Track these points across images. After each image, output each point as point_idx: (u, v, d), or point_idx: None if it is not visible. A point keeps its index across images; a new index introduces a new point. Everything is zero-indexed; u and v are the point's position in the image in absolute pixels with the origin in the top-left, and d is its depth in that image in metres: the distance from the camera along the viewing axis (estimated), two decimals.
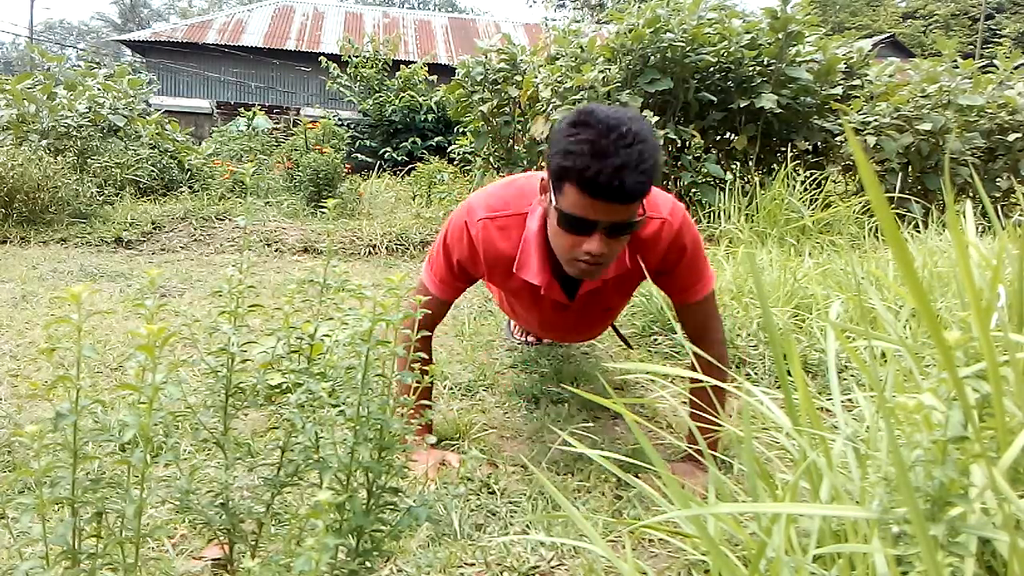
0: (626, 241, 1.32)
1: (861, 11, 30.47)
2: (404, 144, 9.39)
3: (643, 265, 1.40)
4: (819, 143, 4.36)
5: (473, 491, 1.39)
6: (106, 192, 5.02)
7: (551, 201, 1.29)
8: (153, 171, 5.53)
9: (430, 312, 1.55)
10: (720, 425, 1.40)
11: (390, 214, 5.30)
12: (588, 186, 1.19)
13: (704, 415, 1.29)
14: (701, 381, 1.29)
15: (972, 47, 26.14)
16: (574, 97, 4.18)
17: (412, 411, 0.95)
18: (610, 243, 1.27)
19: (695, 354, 1.50)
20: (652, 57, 4.05)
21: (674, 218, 1.40)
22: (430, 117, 9.49)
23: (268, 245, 4.25)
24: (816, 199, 3.77)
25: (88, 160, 5.18)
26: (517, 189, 1.47)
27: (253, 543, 0.92)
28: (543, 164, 1.35)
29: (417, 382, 0.89)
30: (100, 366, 2.02)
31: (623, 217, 1.24)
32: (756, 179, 3.90)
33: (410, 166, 7.84)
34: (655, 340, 2.44)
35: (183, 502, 0.86)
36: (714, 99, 4.07)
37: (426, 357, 1.59)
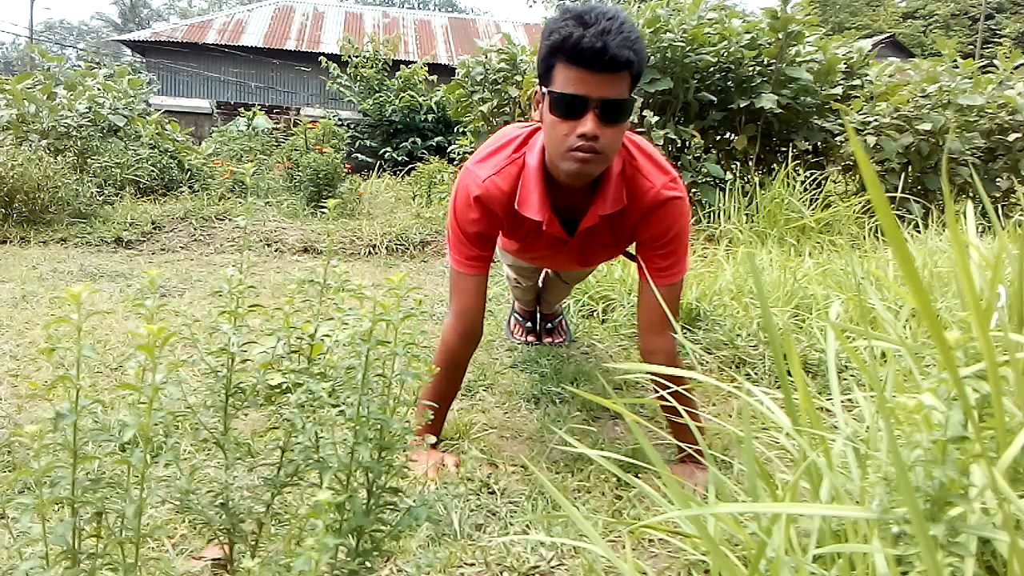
0: (621, 132, 1.34)
1: (861, 11, 30.46)
2: (404, 144, 9.39)
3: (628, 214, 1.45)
4: (819, 143, 4.36)
5: (473, 491, 1.39)
6: (106, 192, 5.02)
7: (543, 96, 1.32)
8: (153, 171, 5.52)
9: (473, 299, 1.54)
10: (699, 418, 1.42)
11: (390, 214, 5.30)
12: (575, 54, 1.24)
13: (686, 412, 1.30)
14: (670, 384, 1.32)
15: (972, 47, 26.13)
16: None
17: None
18: (604, 129, 1.28)
19: (646, 352, 1.52)
20: (652, 57, 4.05)
21: (666, 190, 1.43)
22: (430, 117, 9.49)
23: (268, 245, 4.25)
24: (816, 199, 3.77)
25: (88, 160, 5.18)
26: (511, 138, 1.50)
27: (253, 543, 0.92)
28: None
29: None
30: (100, 366, 2.02)
31: (613, 93, 1.26)
32: (756, 179, 3.90)
33: (410, 166, 7.84)
34: None
35: (183, 502, 0.86)
36: (714, 99, 4.07)
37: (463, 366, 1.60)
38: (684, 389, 1.36)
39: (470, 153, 6.10)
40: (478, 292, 1.55)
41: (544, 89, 1.32)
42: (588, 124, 1.27)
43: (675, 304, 1.58)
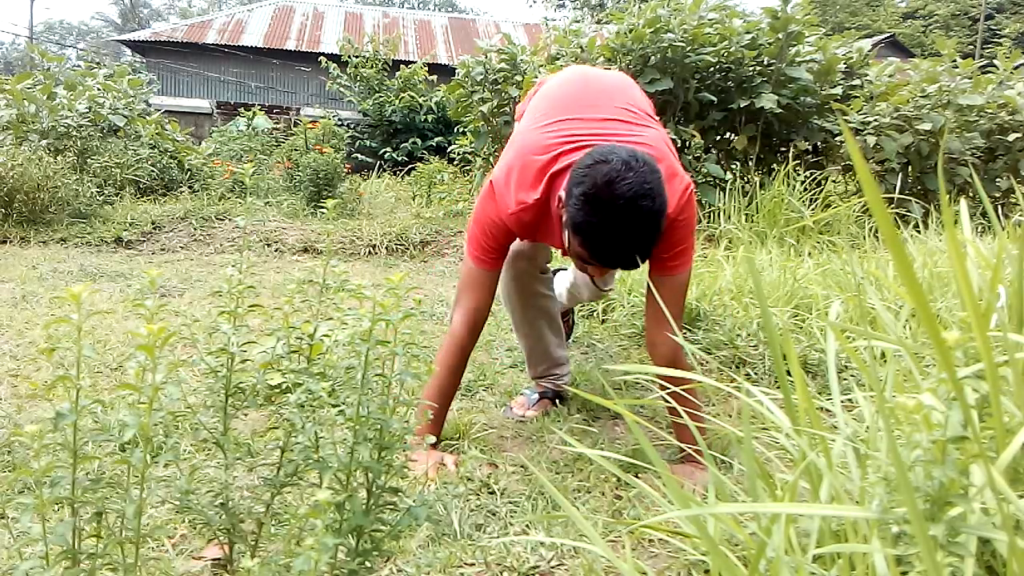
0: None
1: (861, 11, 30.43)
2: (404, 144, 9.39)
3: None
4: (819, 143, 4.36)
5: (473, 491, 1.39)
6: (106, 192, 5.02)
7: (565, 226, 1.39)
8: (153, 171, 5.52)
9: (485, 294, 1.61)
10: (702, 418, 1.44)
11: (390, 214, 5.30)
12: (597, 259, 1.36)
13: (690, 411, 1.30)
14: (675, 383, 1.35)
15: (972, 47, 26.11)
16: None
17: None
18: (622, 270, 1.41)
19: (652, 344, 1.57)
20: (652, 57, 4.05)
21: (679, 203, 1.45)
22: (430, 117, 9.48)
23: (268, 245, 4.25)
24: (816, 199, 3.77)
25: (88, 160, 5.18)
26: (536, 168, 1.49)
27: (253, 543, 0.92)
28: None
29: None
30: (100, 366, 2.02)
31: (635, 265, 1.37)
32: (756, 179, 3.90)
33: (410, 166, 7.84)
34: None
35: (183, 502, 0.86)
36: (714, 99, 4.07)
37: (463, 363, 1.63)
38: (685, 389, 1.37)
39: (470, 153, 6.11)
40: (490, 288, 1.62)
41: (566, 233, 1.39)
42: (604, 275, 1.43)
43: (682, 295, 1.60)
